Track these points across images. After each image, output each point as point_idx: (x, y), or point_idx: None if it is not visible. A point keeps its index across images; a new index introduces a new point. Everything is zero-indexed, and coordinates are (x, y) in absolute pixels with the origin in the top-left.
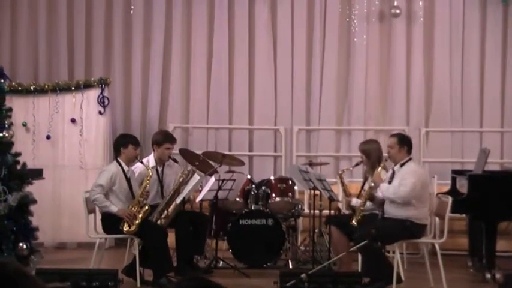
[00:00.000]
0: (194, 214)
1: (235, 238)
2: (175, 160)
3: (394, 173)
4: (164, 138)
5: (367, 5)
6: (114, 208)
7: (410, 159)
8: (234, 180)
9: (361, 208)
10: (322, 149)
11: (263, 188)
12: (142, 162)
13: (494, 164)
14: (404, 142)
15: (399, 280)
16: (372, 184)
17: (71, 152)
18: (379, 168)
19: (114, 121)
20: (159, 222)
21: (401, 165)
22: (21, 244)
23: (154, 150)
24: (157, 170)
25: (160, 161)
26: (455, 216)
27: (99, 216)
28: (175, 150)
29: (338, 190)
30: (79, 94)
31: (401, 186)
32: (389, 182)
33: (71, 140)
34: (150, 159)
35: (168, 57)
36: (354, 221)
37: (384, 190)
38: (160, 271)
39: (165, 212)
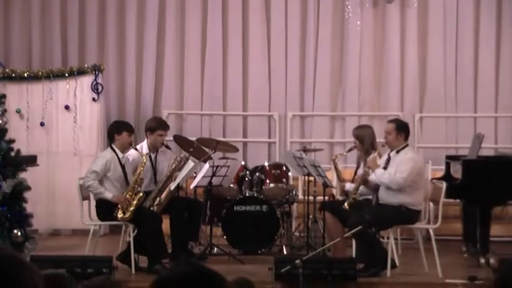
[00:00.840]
0: (189, 201)
1: (229, 224)
2: (168, 147)
3: (389, 158)
4: (157, 125)
5: None
6: (108, 194)
7: (406, 145)
8: (228, 166)
9: (354, 192)
10: (316, 135)
11: (257, 174)
12: (136, 149)
13: (489, 149)
14: (402, 129)
15: (393, 265)
16: (367, 169)
17: (65, 139)
18: (375, 153)
19: (108, 108)
20: (152, 209)
21: (398, 151)
22: (15, 231)
23: (147, 137)
24: (150, 157)
25: (153, 148)
26: (449, 201)
27: (93, 203)
28: (169, 137)
29: (332, 176)
30: (73, 81)
31: (397, 173)
32: (385, 168)
33: (65, 126)
34: (144, 146)
35: (162, 44)
36: (345, 205)
37: (379, 175)
38: (155, 257)
39: (158, 198)
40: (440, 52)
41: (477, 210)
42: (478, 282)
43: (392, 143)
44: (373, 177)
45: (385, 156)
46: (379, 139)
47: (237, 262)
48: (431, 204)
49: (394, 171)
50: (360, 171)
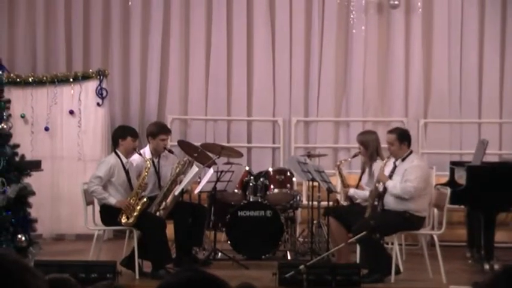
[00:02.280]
0: (193, 206)
1: (233, 230)
2: (170, 151)
3: (395, 167)
4: (158, 130)
5: None
6: (112, 200)
7: (411, 152)
8: (233, 171)
9: (369, 209)
10: (320, 140)
11: (261, 179)
12: (140, 154)
13: (493, 155)
14: (404, 137)
15: (398, 271)
16: (378, 184)
17: (69, 144)
18: (382, 163)
19: (113, 113)
20: (158, 213)
21: (403, 159)
22: (19, 236)
23: (149, 142)
24: (153, 162)
25: (156, 153)
26: (453, 207)
27: (97, 208)
28: (174, 142)
29: (336, 181)
30: (77, 86)
31: (407, 182)
32: (390, 176)
33: (70, 131)
34: (146, 151)
35: (167, 49)
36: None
37: (391, 189)
38: (159, 263)
39: (164, 203)
40: (444, 58)
41: (481, 216)
42: None
43: (397, 153)
44: (380, 188)
45: (391, 165)
46: (384, 145)
47: (241, 267)
48: (435, 210)
49: (400, 179)
50: (365, 177)
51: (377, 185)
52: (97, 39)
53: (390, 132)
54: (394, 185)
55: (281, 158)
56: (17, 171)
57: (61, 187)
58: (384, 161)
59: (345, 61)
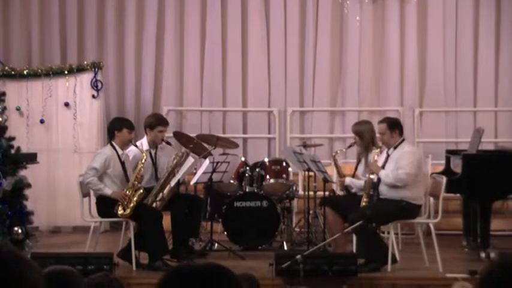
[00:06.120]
0: (189, 197)
1: (230, 220)
2: (168, 143)
3: (388, 156)
4: (156, 121)
5: None
6: (108, 191)
7: (403, 140)
8: (228, 162)
9: (365, 199)
10: (316, 130)
11: (257, 170)
12: (136, 146)
13: (489, 144)
14: (394, 126)
15: (394, 260)
16: (372, 176)
17: (64, 136)
18: (375, 156)
19: (108, 105)
20: (154, 205)
21: (395, 147)
22: (16, 228)
23: (146, 134)
24: (150, 153)
25: (153, 144)
26: (449, 196)
27: (94, 200)
28: (170, 133)
29: (332, 171)
30: (72, 78)
31: (399, 169)
32: (383, 165)
33: (65, 124)
34: (144, 143)
35: (161, 40)
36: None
37: (384, 178)
38: (155, 254)
39: (160, 194)
40: (439, 46)
41: (477, 205)
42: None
43: (389, 142)
44: (375, 180)
45: (384, 155)
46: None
47: (237, 258)
48: (431, 198)
49: (393, 167)
50: (361, 167)
51: (371, 176)
52: (91, 31)
53: (380, 122)
54: (386, 174)
55: (277, 148)
56: (12, 164)
57: (57, 179)
58: (377, 150)
59: (340, 51)
